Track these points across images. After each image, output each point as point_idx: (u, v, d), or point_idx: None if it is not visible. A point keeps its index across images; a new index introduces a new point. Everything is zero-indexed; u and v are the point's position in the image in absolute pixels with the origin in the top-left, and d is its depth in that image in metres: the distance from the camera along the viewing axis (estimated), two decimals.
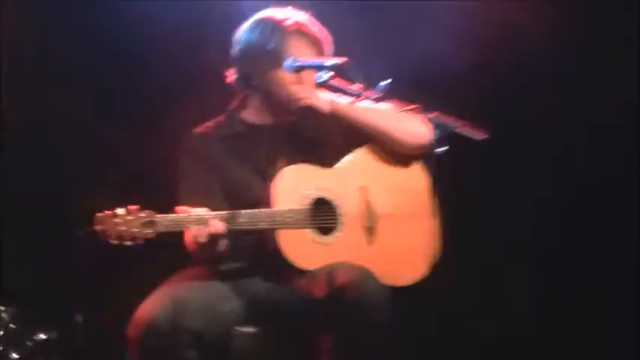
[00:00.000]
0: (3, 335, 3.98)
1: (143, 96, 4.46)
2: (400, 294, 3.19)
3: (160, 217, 2.98)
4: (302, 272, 3.11)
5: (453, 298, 4.37)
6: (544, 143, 4.64)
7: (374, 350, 2.96)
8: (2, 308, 3.99)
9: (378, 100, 3.03)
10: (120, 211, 2.96)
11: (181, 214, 3.00)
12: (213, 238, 3.01)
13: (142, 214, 2.96)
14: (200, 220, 2.99)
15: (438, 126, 2.93)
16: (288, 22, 3.32)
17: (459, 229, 3.56)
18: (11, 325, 3.94)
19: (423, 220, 3.35)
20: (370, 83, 3.06)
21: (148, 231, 2.94)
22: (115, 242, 2.97)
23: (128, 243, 2.99)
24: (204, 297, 3.10)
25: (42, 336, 4.04)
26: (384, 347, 3.02)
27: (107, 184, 4.15)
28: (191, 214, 3.01)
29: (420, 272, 3.26)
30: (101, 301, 4.18)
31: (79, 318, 4.16)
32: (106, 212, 2.95)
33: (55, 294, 4.42)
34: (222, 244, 3.09)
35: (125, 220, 2.95)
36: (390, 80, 3.00)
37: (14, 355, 3.99)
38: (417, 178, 3.40)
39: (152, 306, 3.01)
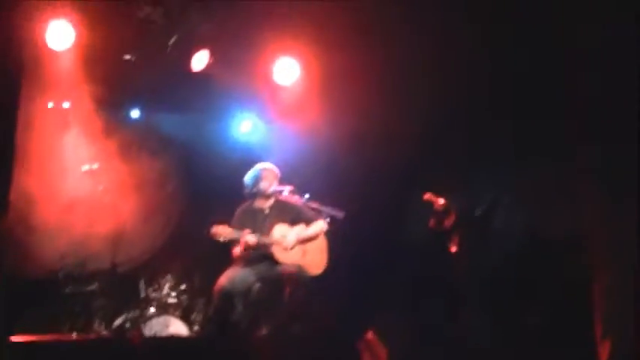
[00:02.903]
0: None
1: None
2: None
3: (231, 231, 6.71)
4: (278, 263, 6.82)
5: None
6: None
7: (305, 295, 6.76)
8: None
9: (305, 201, 6.98)
10: (219, 227, 6.65)
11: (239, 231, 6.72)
12: (247, 245, 6.70)
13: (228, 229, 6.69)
14: (243, 234, 6.69)
15: (325, 212, 6.93)
16: (263, 167, 7.22)
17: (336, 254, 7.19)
18: None
19: (323, 253, 7.08)
20: (300, 192, 7.06)
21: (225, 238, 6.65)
22: (216, 239, 6.63)
23: (222, 240, 6.67)
24: (240, 275, 6.75)
25: None
26: (307, 296, 6.80)
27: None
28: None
29: (320, 271, 6.98)
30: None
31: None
32: (213, 227, 6.66)
33: None
34: (249, 251, 6.79)
35: (220, 230, 6.65)
36: (307, 195, 6.98)
37: None
38: (322, 238, 7.11)
39: (221, 280, 6.69)
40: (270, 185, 7.12)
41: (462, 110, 7.33)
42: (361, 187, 7.93)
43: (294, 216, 7.12)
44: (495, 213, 6.82)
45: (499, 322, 6.47)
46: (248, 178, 7.21)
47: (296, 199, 7.09)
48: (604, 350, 5.53)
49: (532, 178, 6.66)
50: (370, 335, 6.29)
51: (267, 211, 7.15)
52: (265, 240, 6.85)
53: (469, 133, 7.29)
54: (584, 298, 5.78)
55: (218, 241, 6.70)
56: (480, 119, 7.24)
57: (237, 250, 6.85)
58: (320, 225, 7.09)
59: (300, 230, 7.08)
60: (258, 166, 7.23)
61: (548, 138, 6.57)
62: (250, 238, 6.73)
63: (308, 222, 7.12)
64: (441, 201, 6.42)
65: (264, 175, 7.16)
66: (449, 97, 7.32)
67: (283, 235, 6.97)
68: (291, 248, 6.93)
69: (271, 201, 7.19)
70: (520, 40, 6.69)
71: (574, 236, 6.13)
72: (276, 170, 7.23)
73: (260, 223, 7.04)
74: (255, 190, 7.16)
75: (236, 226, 6.90)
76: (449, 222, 6.42)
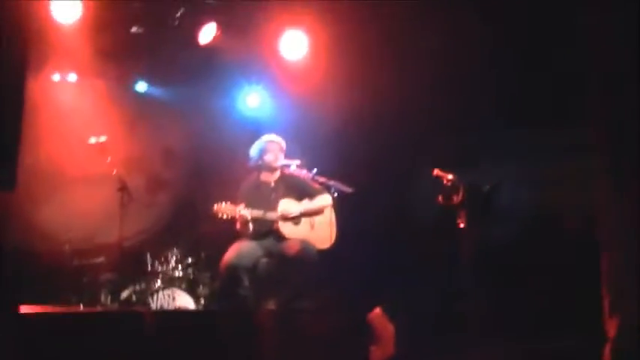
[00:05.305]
0: None
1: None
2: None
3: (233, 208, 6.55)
4: (285, 238, 6.73)
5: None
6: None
7: (312, 270, 6.70)
8: None
9: (312, 175, 6.82)
10: (222, 204, 6.52)
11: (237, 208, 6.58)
12: (243, 219, 6.57)
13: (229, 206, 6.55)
14: (238, 209, 6.55)
15: (333, 187, 6.80)
16: (268, 139, 7.03)
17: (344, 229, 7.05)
18: None
19: (331, 227, 6.93)
20: (308, 167, 6.90)
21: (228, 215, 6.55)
22: (219, 217, 6.56)
23: (225, 217, 6.56)
24: (247, 250, 6.63)
25: None
26: (314, 271, 6.72)
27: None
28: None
29: (328, 245, 6.86)
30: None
31: None
32: (215, 206, 6.56)
33: None
34: (250, 227, 6.65)
35: (222, 208, 6.53)
36: (315, 169, 6.81)
37: None
38: (330, 212, 6.99)
39: (228, 254, 6.58)
40: (275, 158, 6.96)
41: (471, 87, 7.31)
42: (370, 162, 7.84)
43: (300, 190, 6.97)
44: (503, 189, 6.84)
45: (505, 299, 6.54)
46: (253, 149, 7.04)
47: (303, 174, 6.94)
48: (612, 326, 5.62)
49: (540, 156, 6.78)
50: (378, 311, 6.24)
51: (272, 185, 6.99)
52: (269, 215, 6.73)
53: (479, 109, 7.28)
54: (590, 276, 5.97)
55: (221, 219, 6.61)
56: (490, 96, 7.24)
57: (240, 223, 6.69)
58: (325, 199, 6.93)
59: (305, 204, 6.94)
60: (264, 138, 7.05)
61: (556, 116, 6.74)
62: (245, 212, 6.59)
63: (313, 196, 6.97)
64: (450, 176, 6.36)
65: (269, 148, 6.99)
66: (459, 73, 7.30)
67: (286, 209, 6.83)
68: (295, 222, 6.81)
69: (277, 174, 7.03)
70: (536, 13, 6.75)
71: (581, 213, 6.24)
72: (282, 142, 7.05)
73: (266, 197, 6.89)
74: (260, 162, 6.99)
75: (240, 201, 6.73)
76: (457, 198, 6.37)
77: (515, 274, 6.82)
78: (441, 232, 6.82)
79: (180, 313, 6.90)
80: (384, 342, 6.13)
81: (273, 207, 6.81)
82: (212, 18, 7.86)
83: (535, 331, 6.13)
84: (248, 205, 6.69)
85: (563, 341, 5.75)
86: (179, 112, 8.81)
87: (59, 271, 7.60)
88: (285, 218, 6.80)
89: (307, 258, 6.65)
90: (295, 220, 6.85)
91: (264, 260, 6.78)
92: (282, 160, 6.98)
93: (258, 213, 6.66)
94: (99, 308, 7.20)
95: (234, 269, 6.54)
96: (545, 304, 6.48)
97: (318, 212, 6.96)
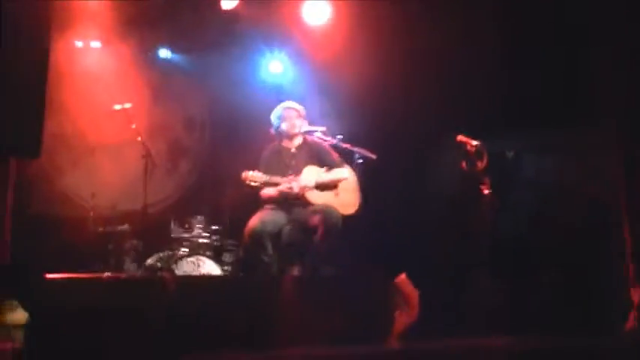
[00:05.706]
0: None
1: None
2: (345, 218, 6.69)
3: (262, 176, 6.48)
4: (309, 205, 6.66)
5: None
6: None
7: (336, 236, 6.61)
8: None
9: (337, 142, 6.74)
10: (250, 172, 6.47)
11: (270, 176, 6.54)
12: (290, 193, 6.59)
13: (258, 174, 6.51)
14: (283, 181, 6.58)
15: (357, 153, 6.67)
16: (285, 106, 6.94)
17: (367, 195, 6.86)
18: None
19: (355, 192, 6.86)
20: (332, 134, 6.81)
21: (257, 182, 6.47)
22: (247, 183, 6.48)
23: (253, 184, 6.50)
24: (271, 217, 6.62)
25: None
26: (338, 237, 6.62)
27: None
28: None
29: (352, 211, 6.76)
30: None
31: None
32: (244, 173, 6.46)
33: None
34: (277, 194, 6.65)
35: (251, 176, 6.47)
36: (340, 136, 6.77)
37: None
38: (352, 177, 6.88)
39: (252, 221, 6.52)
40: (292, 125, 6.87)
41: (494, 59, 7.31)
42: (393, 129, 7.79)
43: (320, 158, 6.89)
44: (526, 158, 6.82)
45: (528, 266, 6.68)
46: (273, 117, 6.97)
47: (327, 140, 6.87)
48: (636, 294, 5.69)
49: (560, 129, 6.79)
50: (403, 277, 6.25)
51: (293, 151, 6.91)
52: (299, 183, 6.66)
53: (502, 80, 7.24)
54: (616, 245, 6.02)
55: (250, 186, 6.54)
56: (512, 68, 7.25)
57: (266, 192, 6.68)
58: (341, 172, 6.83)
59: (322, 173, 6.86)
60: (281, 105, 6.96)
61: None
62: (295, 185, 6.60)
63: (331, 168, 6.87)
64: (474, 142, 6.32)
65: (286, 115, 6.90)
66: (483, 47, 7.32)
67: (309, 176, 6.75)
68: (319, 189, 6.73)
69: (298, 141, 6.94)
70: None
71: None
72: (301, 109, 6.94)
73: (286, 163, 6.84)
74: (279, 130, 6.92)
75: (264, 168, 6.69)
76: (481, 164, 6.33)
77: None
78: (464, 200, 6.85)
79: (204, 279, 6.90)
80: (409, 307, 6.16)
81: (294, 173, 6.73)
82: None
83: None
84: (267, 172, 6.64)
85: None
86: (202, 79, 8.80)
87: (84, 238, 7.60)
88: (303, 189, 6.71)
89: (331, 224, 6.55)
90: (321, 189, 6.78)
91: (288, 227, 6.72)
92: (305, 127, 6.88)
93: (283, 180, 6.62)
94: (123, 275, 7.20)
95: (258, 236, 6.48)
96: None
97: (333, 185, 6.85)
